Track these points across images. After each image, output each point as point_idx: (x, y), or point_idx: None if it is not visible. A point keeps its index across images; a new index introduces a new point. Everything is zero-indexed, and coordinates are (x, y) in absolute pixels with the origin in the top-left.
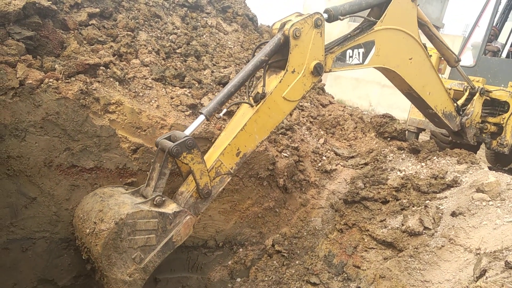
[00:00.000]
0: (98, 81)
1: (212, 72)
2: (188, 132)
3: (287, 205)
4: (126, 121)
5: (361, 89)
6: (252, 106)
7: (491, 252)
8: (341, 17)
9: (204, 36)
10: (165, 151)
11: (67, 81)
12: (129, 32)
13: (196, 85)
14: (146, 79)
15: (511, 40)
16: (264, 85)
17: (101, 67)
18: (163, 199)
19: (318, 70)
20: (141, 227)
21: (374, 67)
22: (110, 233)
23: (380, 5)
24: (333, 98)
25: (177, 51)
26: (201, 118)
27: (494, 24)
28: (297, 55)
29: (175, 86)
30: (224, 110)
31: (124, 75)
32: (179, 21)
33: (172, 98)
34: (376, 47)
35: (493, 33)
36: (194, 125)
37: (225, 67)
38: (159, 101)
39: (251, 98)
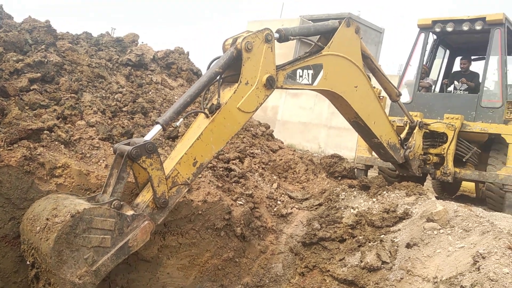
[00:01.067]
0: (43, 146)
1: None
2: (149, 136)
3: (246, 254)
4: (74, 183)
5: (309, 132)
6: (208, 116)
7: (446, 279)
8: (292, 37)
9: (150, 92)
10: (124, 155)
11: (9, 148)
12: (72, 94)
13: None
14: (93, 139)
15: (441, 75)
16: (219, 97)
17: (45, 131)
18: (121, 203)
19: (270, 83)
20: (97, 225)
21: (322, 93)
22: (65, 226)
23: (327, 34)
24: (282, 143)
25: (124, 109)
26: (158, 127)
27: (424, 63)
28: (250, 68)
29: None
30: (181, 120)
31: (70, 138)
32: (123, 80)
33: None
34: (324, 70)
35: (424, 71)
36: (151, 134)
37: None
38: (107, 160)
39: (206, 109)
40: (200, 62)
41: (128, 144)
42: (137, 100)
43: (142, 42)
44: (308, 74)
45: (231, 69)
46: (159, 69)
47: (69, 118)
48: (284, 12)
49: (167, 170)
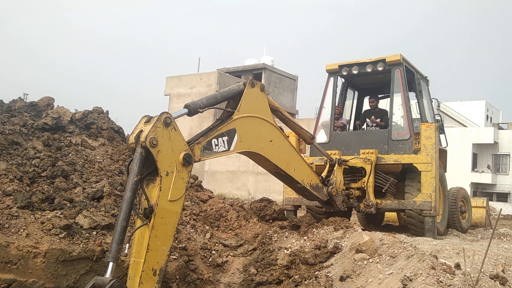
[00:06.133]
0: None
1: (84, 188)
2: (108, 275)
3: None
4: None
5: (237, 180)
6: (144, 222)
7: None
8: (201, 110)
9: (70, 155)
10: None
11: None
12: None
13: (68, 204)
14: (10, 208)
15: (354, 115)
16: (147, 200)
17: None
18: None
19: (188, 160)
20: None
21: (241, 153)
22: None
23: (235, 97)
24: (212, 192)
25: (42, 174)
26: (111, 264)
27: (336, 104)
28: (164, 159)
29: (44, 210)
30: (127, 246)
31: None
32: (40, 144)
33: (43, 223)
34: (238, 134)
35: (337, 112)
36: (109, 271)
37: (97, 182)
38: (28, 229)
39: (141, 215)
40: (122, 120)
41: (93, 286)
42: (56, 164)
43: (58, 106)
44: (223, 141)
45: (146, 162)
46: (78, 130)
47: None
48: (201, 66)
49: None
